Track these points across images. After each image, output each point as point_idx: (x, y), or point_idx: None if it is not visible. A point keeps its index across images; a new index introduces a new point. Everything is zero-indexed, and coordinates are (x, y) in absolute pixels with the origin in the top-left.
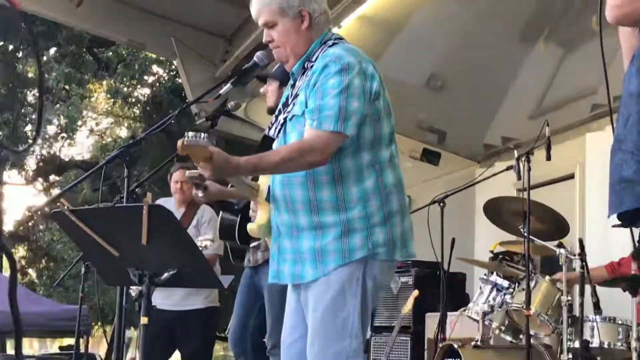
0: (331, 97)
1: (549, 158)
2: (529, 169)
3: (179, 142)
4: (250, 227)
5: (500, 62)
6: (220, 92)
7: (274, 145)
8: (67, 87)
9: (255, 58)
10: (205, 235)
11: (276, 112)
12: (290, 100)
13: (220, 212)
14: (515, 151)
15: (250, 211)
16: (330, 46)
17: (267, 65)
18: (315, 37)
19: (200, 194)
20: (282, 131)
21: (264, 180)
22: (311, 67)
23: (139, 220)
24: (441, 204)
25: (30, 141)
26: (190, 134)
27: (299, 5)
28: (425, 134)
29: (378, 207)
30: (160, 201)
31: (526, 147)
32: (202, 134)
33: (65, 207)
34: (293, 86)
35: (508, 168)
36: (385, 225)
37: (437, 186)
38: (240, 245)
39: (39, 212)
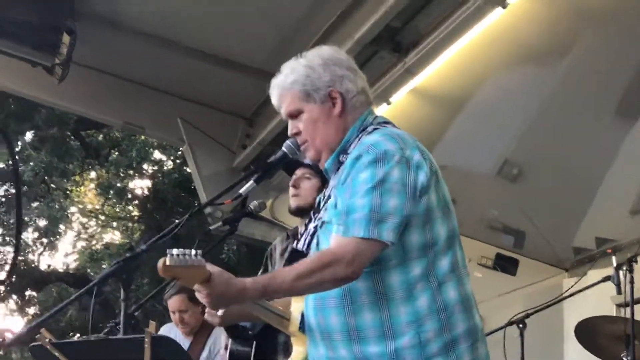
0: (361, 196)
1: None
2: (632, 280)
3: (160, 263)
4: None
5: (592, 143)
6: (241, 191)
7: None
8: (47, 180)
9: (284, 148)
10: None
11: (306, 221)
12: (322, 205)
13: (230, 341)
14: (614, 257)
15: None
16: (369, 133)
17: (298, 156)
18: (351, 123)
19: (217, 320)
20: (313, 243)
21: (296, 306)
22: (346, 160)
23: (139, 355)
24: (520, 326)
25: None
26: (175, 251)
27: (328, 85)
28: (498, 235)
29: (437, 332)
30: (165, 328)
31: (628, 251)
32: (193, 251)
33: (47, 340)
34: (326, 187)
35: (605, 279)
36: (448, 354)
37: (514, 302)
38: None
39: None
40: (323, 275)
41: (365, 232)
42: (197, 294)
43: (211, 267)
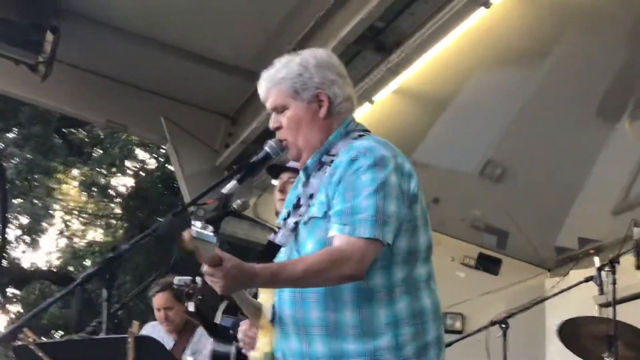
0: (365, 197)
1: (639, 266)
2: (614, 281)
3: (186, 234)
4: (253, 356)
5: (574, 144)
6: (224, 191)
7: (281, 255)
8: (30, 177)
9: (267, 147)
10: None
11: (283, 215)
12: (303, 201)
13: (212, 340)
14: (596, 257)
15: (240, 334)
16: (357, 138)
17: (281, 156)
18: (335, 128)
19: (191, 308)
20: (292, 238)
21: (265, 297)
22: (331, 161)
23: (123, 354)
24: (503, 326)
25: None
26: (198, 223)
27: (317, 87)
28: (481, 235)
29: (412, 337)
30: (148, 327)
31: (610, 251)
32: (210, 227)
33: (31, 340)
34: (305, 184)
35: (587, 279)
36: (420, 358)
37: (497, 302)
38: None
39: None
40: (333, 272)
41: (372, 233)
42: (207, 277)
43: (220, 252)
